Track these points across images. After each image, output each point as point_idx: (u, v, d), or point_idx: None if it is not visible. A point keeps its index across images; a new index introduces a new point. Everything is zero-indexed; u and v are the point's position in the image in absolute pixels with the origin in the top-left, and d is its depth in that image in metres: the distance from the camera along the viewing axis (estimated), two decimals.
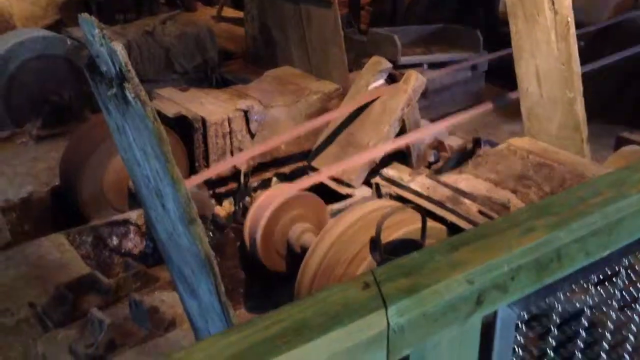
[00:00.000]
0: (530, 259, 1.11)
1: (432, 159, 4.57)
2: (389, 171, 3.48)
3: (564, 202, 1.21)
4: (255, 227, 3.56)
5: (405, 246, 2.46)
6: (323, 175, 3.80)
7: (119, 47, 1.93)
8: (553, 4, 3.63)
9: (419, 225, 2.75)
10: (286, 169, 4.55)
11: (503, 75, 6.23)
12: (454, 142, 4.60)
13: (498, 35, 6.36)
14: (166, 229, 2.30)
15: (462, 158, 4.60)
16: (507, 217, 1.25)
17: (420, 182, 3.37)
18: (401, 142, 3.95)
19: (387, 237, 2.72)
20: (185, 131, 4.17)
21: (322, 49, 4.72)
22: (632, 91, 5.39)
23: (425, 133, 4.08)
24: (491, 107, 4.29)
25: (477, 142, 4.63)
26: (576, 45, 3.67)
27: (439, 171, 4.43)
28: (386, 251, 2.43)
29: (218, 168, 3.84)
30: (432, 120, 5.01)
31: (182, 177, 2.05)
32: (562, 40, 3.66)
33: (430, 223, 3.12)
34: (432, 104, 5.11)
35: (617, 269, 1.31)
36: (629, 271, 1.32)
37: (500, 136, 5.30)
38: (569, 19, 3.61)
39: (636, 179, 1.24)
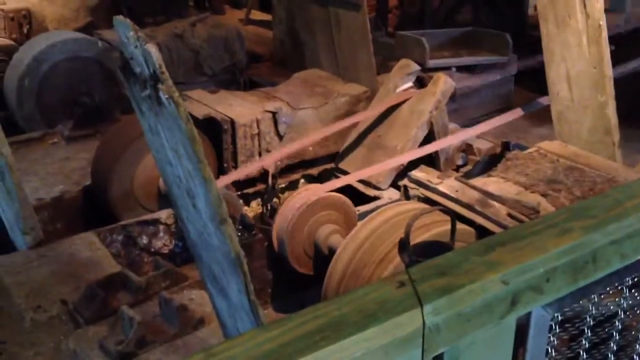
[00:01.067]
0: (565, 261, 1.11)
1: (460, 162, 4.55)
2: (417, 173, 3.47)
3: (600, 205, 1.20)
4: (284, 227, 3.58)
5: (434, 248, 2.46)
6: (352, 177, 3.81)
7: (153, 49, 1.96)
8: (585, 7, 3.60)
9: (448, 227, 2.75)
10: (314, 171, 4.57)
11: (532, 79, 6.21)
12: (483, 145, 4.58)
13: (527, 38, 6.33)
14: (197, 229, 2.33)
15: (491, 162, 4.57)
16: (543, 219, 1.24)
17: (448, 185, 3.36)
18: (430, 148, 3.96)
19: (415, 238, 2.72)
20: (214, 133, 4.20)
21: (350, 52, 4.74)
22: None
23: (454, 140, 4.08)
24: (521, 113, 4.26)
25: (506, 146, 4.60)
26: (608, 49, 3.64)
27: (468, 175, 4.42)
28: (415, 253, 2.43)
29: (246, 169, 3.87)
30: (461, 124, 5.00)
31: (213, 177, 2.08)
32: (594, 44, 3.63)
33: (459, 226, 3.11)
34: (461, 107, 5.09)
35: None
36: None
37: (529, 140, 5.27)
38: (601, 22, 3.58)
39: None
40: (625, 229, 1.13)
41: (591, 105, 3.77)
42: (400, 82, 4.54)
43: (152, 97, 2.04)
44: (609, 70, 3.67)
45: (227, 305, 2.50)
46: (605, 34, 3.61)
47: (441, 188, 3.31)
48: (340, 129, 4.16)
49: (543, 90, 6.10)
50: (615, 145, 3.78)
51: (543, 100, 4.38)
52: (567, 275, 1.11)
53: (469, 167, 4.54)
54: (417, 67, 4.57)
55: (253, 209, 4.37)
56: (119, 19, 2.10)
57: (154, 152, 2.31)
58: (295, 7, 5.24)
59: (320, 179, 4.54)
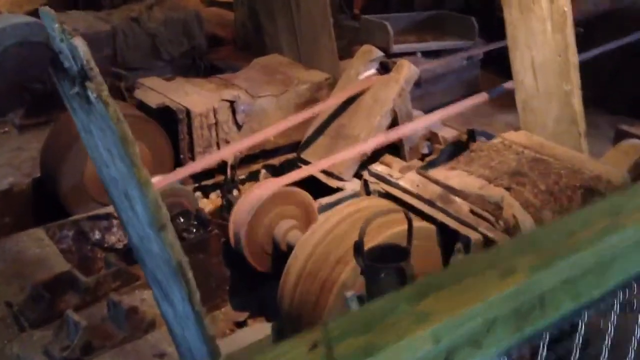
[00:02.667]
0: (508, 308, 0.99)
1: (425, 150, 4.45)
2: (378, 167, 3.36)
3: (550, 237, 1.08)
4: (240, 223, 3.44)
5: (391, 251, 2.35)
6: (312, 169, 3.68)
7: (80, 43, 1.80)
8: None
9: (406, 226, 2.64)
10: (275, 161, 4.43)
11: (499, 63, 6.09)
12: (448, 133, 4.47)
13: (495, 21, 6.20)
14: (137, 233, 2.18)
15: (456, 150, 4.47)
16: (486, 255, 1.12)
17: (409, 179, 3.24)
18: (394, 135, 3.83)
19: (372, 239, 2.61)
20: (170, 122, 4.04)
21: (311, 37, 4.59)
22: (631, 79, 5.25)
23: (418, 126, 3.96)
24: (486, 98, 4.15)
25: (471, 134, 4.50)
26: (573, 36, 3.54)
27: (432, 164, 4.31)
28: (371, 256, 2.32)
29: (204, 162, 3.72)
30: (426, 110, 4.88)
31: (150, 180, 1.93)
32: (559, 31, 3.54)
33: (419, 223, 3.01)
34: (426, 93, 4.98)
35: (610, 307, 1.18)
36: (622, 309, 1.19)
37: (495, 127, 5.18)
38: (566, 9, 3.48)
39: (633, 207, 1.11)
40: (578, 266, 1.00)
41: (556, 94, 3.68)
42: (362, 68, 4.40)
43: (81, 95, 1.88)
44: (574, 58, 3.58)
45: (173, 312, 2.37)
46: (570, 21, 3.51)
47: (402, 183, 3.20)
48: (302, 119, 4.02)
49: (510, 75, 6.02)
50: (582, 135, 3.70)
51: (508, 85, 4.26)
52: (511, 324, 0.98)
53: (434, 156, 4.46)
54: (380, 53, 4.43)
55: (212, 201, 4.23)
56: (43, 10, 1.93)
57: (89, 151, 2.15)
58: None
59: (282, 169, 4.40)
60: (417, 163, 4.40)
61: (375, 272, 2.24)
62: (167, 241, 2.01)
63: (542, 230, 1.12)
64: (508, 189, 3.27)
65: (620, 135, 4.37)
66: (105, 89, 1.80)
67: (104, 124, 1.86)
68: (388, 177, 3.23)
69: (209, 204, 4.23)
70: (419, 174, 3.32)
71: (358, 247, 2.28)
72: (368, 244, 2.62)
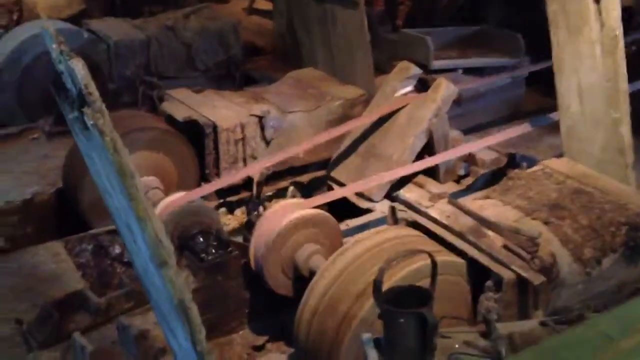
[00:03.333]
0: None
1: (462, 172, 4.25)
2: (407, 193, 3.17)
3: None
4: (262, 245, 3.30)
5: (412, 292, 2.17)
6: (341, 192, 3.52)
7: (78, 66, 1.68)
8: (600, 14, 3.27)
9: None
10: (303, 178, 4.28)
11: (545, 82, 5.84)
12: (487, 156, 4.26)
13: (543, 37, 5.93)
14: (141, 264, 2.06)
15: (494, 175, 4.26)
16: None
17: (439, 209, 3.05)
18: (431, 161, 3.67)
19: (392, 274, 2.44)
20: (196, 136, 3.93)
21: (347, 51, 4.43)
22: None
23: (457, 153, 3.78)
24: (529, 128, 3.94)
25: (512, 159, 4.29)
26: (624, 61, 3.31)
27: (470, 188, 4.11)
28: (390, 296, 2.15)
29: (229, 178, 3.61)
30: (465, 130, 4.68)
31: (150, 214, 1.80)
32: (609, 55, 3.31)
33: (448, 257, 2.82)
34: (466, 112, 4.77)
35: None
36: None
37: (539, 150, 4.94)
38: (617, 32, 3.26)
39: None
40: None
41: (604, 122, 3.45)
42: (399, 85, 4.22)
43: (80, 120, 1.76)
44: (624, 84, 3.35)
45: (177, 346, 2.23)
46: (621, 45, 3.28)
47: (431, 212, 3.01)
48: (333, 136, 3.86)
49: (554, 93, 5.76)
50: (629, 166, 3.45)
51: (554, 116, 4.05)
52: None
53: (471, 179, 4.26)
54: (418, 70, 4.25)
55: (237, 218, 4.11)
56: (45, 26, 1.82)
57: (93, 176, 2.04)
58: (292, 1, 4.93)
59: (310, 187, 4.26)
60: (451, 186, 4.21)
61: (394, 316, 2.07)
62: (167, 278, 1.88)
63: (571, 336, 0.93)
64: (546, 222, 3.06)
65: None
66: (102, 116, 1.67)
67: (102, 153, 1.74)
68: (417, 206, 3.05)
69: (234, 220, 4.12)
70: (451, 203, 3.13)
71: (377, 287, 2.11)
72: (388, 281, 2.45)
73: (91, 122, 1.66)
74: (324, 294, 2.73)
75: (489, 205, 3.17)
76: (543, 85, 5.80)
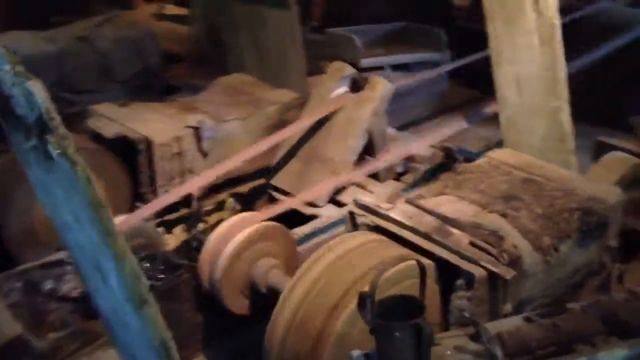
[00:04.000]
0: None
1: (400, 169, 4.23)
2: (364, 197, 3.09)
3: None
4: (214, 264, 3.13)
5: (401, 303, 2.08)
6: (290, 202, 3.40)
7: (37, 88, 1.48)
8: (537, 3, 3.29)
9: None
10: (243, 189, 4.12)
11: (465, 75, 5.94)
12: (424, 152, 4.25)
13: (455, 31, 6.02)
14: (110, 304, 1.85)
15: (434, 170, 4.26)
16: None
17: (401, 210, 2.98)
18: (378, 164, 3.62)
19: (362, 287, 2.34)
20: (128, 154, 3.68)
21: (278, 54, 4.31)
22: (606, 88, 5.13)
23: (405, 153, 3.74)
24: (465, 125, 3.96)
25: (449, 153, 4.30)
26: (562, 49, 3.34)
27: (411, 185, 4.09)
28: (377, 312, 2.04)
29: (168, 197, 3.40)
30: (397, 126, 4.66)
31: (127, 251, 1.61)
32: (547, 44, 3.34)
33: (415, 258, 2.74)
34: (396, 108, 4.73)
35: None
36: None
37: (469, 142, 4.97)
38: (555, 21, 3.28)
39: None
40: None
41: (544, 111, 3.49)
42: (334, 86, 4.14)
43: (39, 150, 1.56)
44: (562, 73, 3.39)
45: None
46: (559, 34, 3.31)
47: (393, 215, 2.93)
48: (273, 143, 3.73)
49: (478, 86, 5.85)
50: (571, 153, 3.50)
51: (489, 109, 4.08)
52: None
53: (411, 176, 4.24)
54: (351, 70, 4.19)
55: (176, 237, 3.89)
56: None
57: (48, 211, 1.82)
58: (215, 2, 4.74)
59: (251, 197, 4.10)
60: (392, 185, 4.18)
61: (388, 330, 1.97)
62: (149, 318, 1.70)
63: None
64: (504, 215, 3.04)
65: (600, 147, 4.21)
66: (70, 144, 1.48)
67: (69, 185, 1.54)
68: (378, 209, 2.96)
69: (173, 239, 3.90)
70: (410, 203, 3.06)
71: (366, 302, 2.00)
72: (363, 290, 2.35)
73: (58, 151, 1.47)
74: (294, 313, 2.59)
75: (445, 202, 3.12)
76: (463, 77, 5.92)
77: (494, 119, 4.50)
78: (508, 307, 2.79)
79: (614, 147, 4.05)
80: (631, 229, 3.64)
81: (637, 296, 2.45)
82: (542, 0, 3.27)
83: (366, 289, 2.47)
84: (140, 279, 1.66)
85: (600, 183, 3.42)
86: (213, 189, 3.95)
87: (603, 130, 4.54)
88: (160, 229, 3.84)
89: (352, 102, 4.04)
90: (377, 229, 2.93)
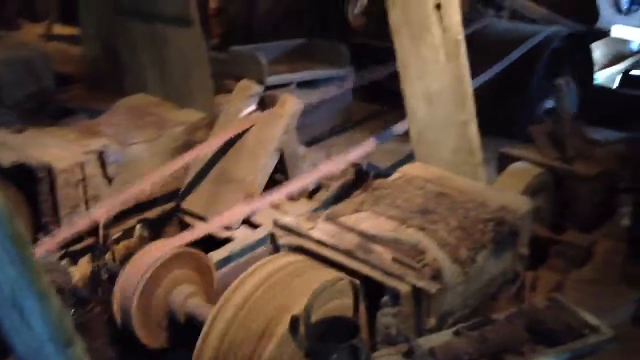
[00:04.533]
0: None
1: (312, 187, 4.21)
2: (285, 218, 3.03)
3: None
4: (128, 296, 2.97)
5: (334, 324, 2.03)
6: (205, 228, 3.29)
7: None
8: (441, 20, 3.36)
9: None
10: (152, 214, 3.96)
11: (367, 89, 6.03)
12: (333, 167, 4.25)
13: (351, 46, 6.10)
14: (28, 344, 1.70)
15: (345, 187, 4.28)
16: None
17: (322, 229, 2.94)
18: (296, 185, 3.58)
19: (289, 310, 2.28)
20: (27, 182, 3.45)
21: (183, 73, 4.18)
22: (502, 100, 5.33)
23: (321, 173, 3.72)
24: (375, 144, 3.99)
25: (359, 169, 4.33)
26: (467, 65, 3.43)
27: (326, 203, 4.08)
28: (311, 334, 1.99)
29: (72, 228, 3.20)
30: (304, 142, 4.64)
31: (50, 289, 1.48)
32: (453, 59, 3.41)
33: (340, 276, 2.72)
34: (303, 125, 4.71)
35: None
36: None
37: (375, 157, 5.02)
38: (459, 37, 3.36)
39: None
40: None
41: (452, 124, 3.55)
42: (242, 105, 4.07)
43: None
44: (469, 87, 3.48)
45: None
46: (464, 50, 3.40)
47: (315, 234, 2.89)
48: (182, 165, 3.61)
49: (379, 101, 5.95)
50: (479, 165, 3.59)
51: (397, 129, 4.13)
52: None
53: (323, 194, 4.23)
54: (259, 88, 4.14)
55: (82, 268, 3.68)
56: None
57: None
58: (111, 21, 4.56)
59: (161, 222, 3.95)
60: (306, 203, 4.16)
61: (326, 353, 1.92)
62: (75, 359, 1.57)
63: None
64: (422, 229, 3.07)
65: (504, 158, 4.37)
66: None
67: None
68: (299, 229, 2.91)
69: (78, 271, 3.69)
70: (330, 221, 3.03)
71: (300, 324, 1.94)
72: (286, 316, 2.30)
73: None
74: (221, 340, 2.49)
75: (364, 219, 3.12)
76: (365, 92, 6.01)
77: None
78: (432, 320, 2.80)
79: (516, 158, 4.21)
80: (536, 236, 3.79)
81: (558, 303, 2.52)
82: (446, 17, 3.34)
83: (295, 311, 2.45)
84: (65, 317, 1.53)
85: (509, 193, 3.53)
86: (120, 216, 3.77)
87: (504, 142, 4.73)
88: (65, 261, 3.63)
89: (262, 120, 3.98)
90: (300, 250, 2.88)
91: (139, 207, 3.88)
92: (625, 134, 4.36)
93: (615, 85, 6.66)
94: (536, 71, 5.29)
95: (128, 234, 3.89)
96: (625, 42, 7.23)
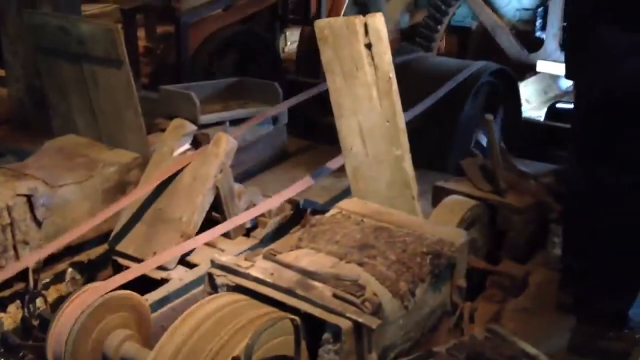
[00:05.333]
0: None
1: (249, 225, 4.19)
2: (223, 257, 2.98)
3: None
4: (62, 342, 2.86)
5: None
6: (139, 269, 3.21)
7: None
8: (373, 58, 3.43)
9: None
10: (83, 257, 3.85)
11: (300, 126, 6.07)
12: (270, 204, 4.25)
13: (284, 84, 6.15)
14: None
15: (283, 224, 4.27)
16: None
17: (261, 267, 2.91)
18: (227, 226, 3.54)
19: (238, 343, 2.24)
20: None
21: (113, 114, 4.11)
22: (434, 134, 5.44)
23: (259, 211, 3.72)
24: (311, 182, 4.02)
25: (297, 206, 4.34)
26: (399, 101, 3.50)
27: (264, 241, 4.06)
28: None
29: (1, 274, 3.07)
30: (239, 180, 4.61)
31: None
32: (385, 97, 3.48)
33: (281, 315, 2.69)
34: (237, 162, 4.70)
35: None
36: None
37: (311, 192, 5.03)
38: (391, 75, 3.43)
39: None
40: None
41: (387, 160, 3.60)
42: (176, 144, 4.04)
43: None
44: (402, 123, 3.54)
45: None
46: (395, 86, 3.46)
47: (253, 273, 2.85)
48: (118, 208, 3.53)
49: (313, 138, 5.99)
50: (415, 198, 3.64)
51: (331, 165, 4.17)
52: None
53: (261, 231, 4.21)
54: (193, 127, 4.12)
55: (11, 315, 3.53)
56: None
57: None
58: (39, 64, 4.46)
59: (93, 266, 3.84)
60: (244, 241, 4.13)
61: None
62: None
63: None
64: (361, 264, 3.08)
65: (438, 192, 4.44)
66: None
67: None
68: (237, 268, 2.87)
69: (7, 318, 3.54)
70: (268, 259, 3.01)
71: None
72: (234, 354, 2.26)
73: None
74: None
75: (303, 256, 3.11)
76: (299, 128, 6.04)
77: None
78: (374, 356, 2.80)
79: (451, 191, 4.29)
80: (473, 268, 3.85)
81: (497, 333, 2.56)
82: (376, 56, 3.40)
83: (236, 352, 2.41)
84: None
85: (445, 226, 3.59)
86: (50, 259, 3.66)
87: (438, 175, 4.82)
88: None
89: (197, 159, 3.95)
90: (238, 289, 2.84)
91: (70, 250, 3.78)
92: (552, 166, 4.52)
93: (542, 118, 6.93)
94: (465, 105, 5.44)
95: (59, 278, 3.77)
96: (553, 77, 7.55)
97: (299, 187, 3.92)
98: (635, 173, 3.20)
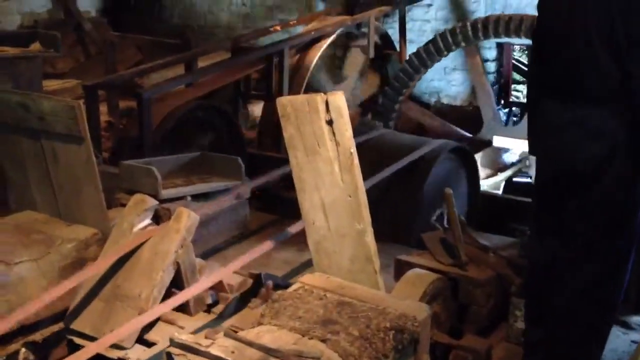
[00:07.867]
0: None
1: (209, 300, 4.12)
2: (182, 336, 2.92)
3: None
4: None
5: None
6: (93, 348, 3.11)
7: None
8: (334, 134, 3.49)
9: None
10: (37, 336, 3.71)
11: (265, 200, 6.09)
12: (233, 280, 4.21)
13: (246, 158, 6.20)
14: None
15: (244, 298, 4.20)
16: None
17: (222, 346, 2.85)
18: (184, 296, 3.48)
19: None
20: None
21: (72, 190, 4.07)
22: (396, 208, 5.50)
23: (209, 283, 3.66)
24: (271, 246, 4.01)
25: (258, 280, 4.28)
26: (361, 176, 3.54)
27: (222, 316, 3.99)
28: None
29: None
30: (201, 255, 4.57)
31: None
32: (347, 172, 3.52)
33: None
34: (199, 237, 4.66)
35: None
36: None
37: (273, 266, 5.00)
38: (352, 150, 3.49)
39: None
40: None
41: (349, 234, 3.62)
42: (136, 220, 3.99)
43: None
44: (364, 198, 3.57)
45: None
46: (356, 161, 3.51)
47: (214, 351, 2.79)
48: (74, 284, 3.44)
49: (275, 211, 6.00)
50: (377, 272, 3.64)
51: (292, 229, 4.18)
52: None
53: (222, 306, 4.14)
54: (154, 202, 4.08)
55: None
56: None
57: None
58: None
59: (47, 345, 3.70)
60: (204, 317, 4.04)
61: None
62: None
63: None
64: (323, 340, 3.04)
65: (400, 266, 4.45)
66: None
67: None
68: (197, 346, 2.81)
69: None
70: (229, 336, 2.95)
71: None
72: None
73: None
74: None
75: (265, 332, 3.06)
76: (262, 202, 6.06)
77: (295, 242, 4.62)
78: None
79: (412, 265, 4.31)
80: (436, 342, 3.83)
81: None
82: (338, 132, 3.46)
83: None
84: None
85: (408, 300, 3.58)
86: (2, 339, 3.52)
87: (400, 248, 4.84)
88: None
89: (157, 235, 3.90)
90: None
91: (23, 329, 3.65)
92: (511, 239, 4.59)
93: (500, 192, 7.06)
94: (425, 181, 5.54)
95: (12, 358, 3.63)
96: (507, 151, 7.78)
97: (259, 251, 3.92)
98: (582, 246, 3.27)
